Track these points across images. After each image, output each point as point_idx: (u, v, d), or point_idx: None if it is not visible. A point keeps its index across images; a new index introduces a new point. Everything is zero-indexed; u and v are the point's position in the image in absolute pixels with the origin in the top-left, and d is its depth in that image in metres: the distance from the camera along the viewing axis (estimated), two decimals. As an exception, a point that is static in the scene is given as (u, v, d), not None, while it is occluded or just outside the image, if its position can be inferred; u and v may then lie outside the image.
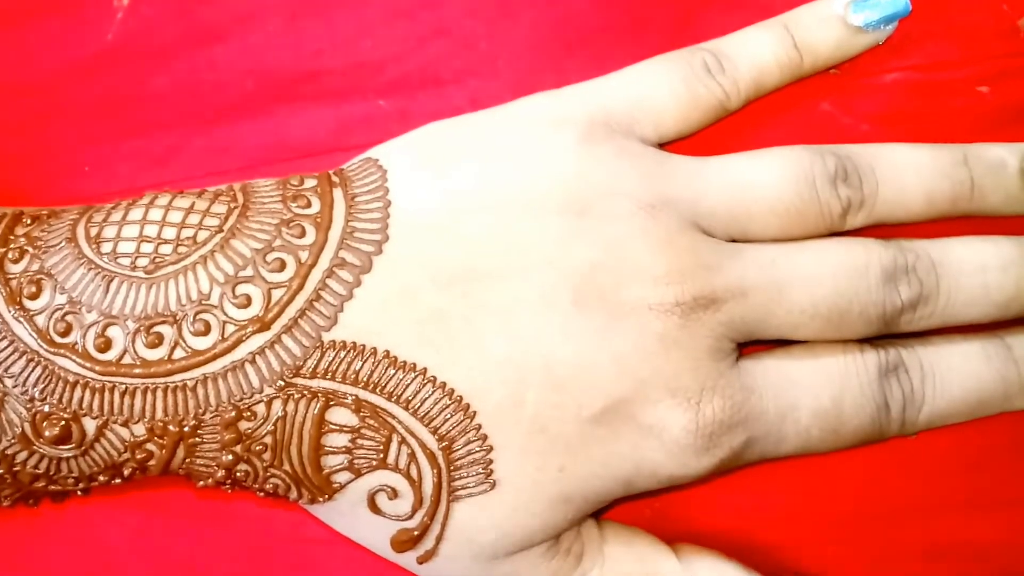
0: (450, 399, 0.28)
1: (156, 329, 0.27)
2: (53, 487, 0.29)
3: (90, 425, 0.28)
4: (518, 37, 0.33)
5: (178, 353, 0.27)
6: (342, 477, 0.28)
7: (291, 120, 0.34)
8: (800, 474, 0.32)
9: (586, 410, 0.28)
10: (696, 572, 0.30)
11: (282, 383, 0.27)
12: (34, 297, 0.28)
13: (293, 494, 0.29)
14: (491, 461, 0.28)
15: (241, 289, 0.28)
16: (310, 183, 0.30)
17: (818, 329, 0.29)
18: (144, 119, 0.34)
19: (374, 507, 0.29)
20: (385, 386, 0.28)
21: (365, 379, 0.28)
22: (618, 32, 0.33)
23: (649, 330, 0.28)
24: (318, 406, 0.28)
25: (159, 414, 0.27)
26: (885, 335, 0.31)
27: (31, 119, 0.34)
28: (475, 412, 0.28)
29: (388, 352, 0.28)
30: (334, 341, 0.28)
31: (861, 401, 0.30)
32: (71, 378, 0.27)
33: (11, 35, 0.34)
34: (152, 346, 0.27)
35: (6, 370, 0.27)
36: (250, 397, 0.27)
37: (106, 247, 0.28)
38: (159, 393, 0.27)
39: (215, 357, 0.27)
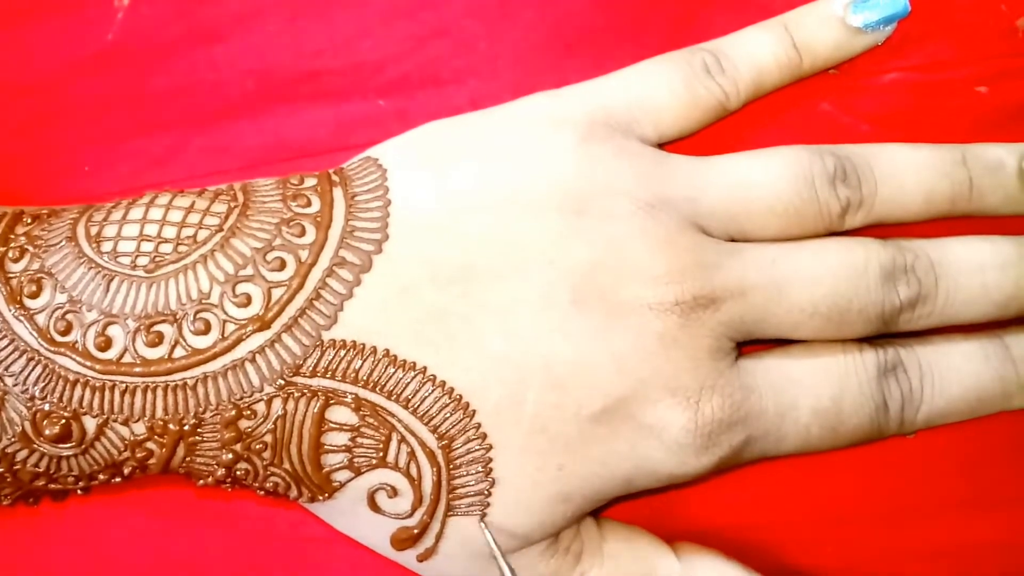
0: (450, 398, 0.28)
1: (156, 328, 0.27)
2: (53, 486, 0.29)
3: (90, 424, 0.28)
4: (518, 37, 0.33)
5: (178, 352, 0.27)
6: (342, 476, 0.29)
7: (291, 120, 0.34)
8: (799, 473, 0.32)
9: (586, 409, 0.28)
10: (695, 571, 0.30)
11: (282, 382, 0.28)
12: (34, 296, 0.28)
13: (293, 492, 0.29)
14: (490, 460, 0.28)
15: (241, 288, 0.28)
16: (310, 182, 0.30)
17: (817, 328, 0.30)
18: (144, 119, 0.34)
19: (374, 505, 0.29)
20: (385, 385, 0.28)
21: (365, 378, 0.28)
22: (618, 32, 0.33)
23: (649, 330, 0.28)
24: (318, 405, 0.28)
25: (159, 413, 0.27)
26: (884, 334, 0.31)
27: (31, 119, 0.34)
28: (474, 411, 0.28)
29: (388, 351, 0.28)
30: (334, 340, 0.28)
31: (860, 400, 0.30)
32: (71, 377, 0.27)
33: (11, 35, 0.34)
34: (152, 345, 0.27)
35: (6, 369, 0.27)
36: (250, 396, 0.28)
37: (106, 246, 0.28)
38: (159, 392, 0.27)
39: (215, 356, 0.27)
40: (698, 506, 0.32)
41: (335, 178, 0.30)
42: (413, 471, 0.28)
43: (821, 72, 0.33)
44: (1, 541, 0.32)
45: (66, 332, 0.27)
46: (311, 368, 0.28)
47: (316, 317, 0.28)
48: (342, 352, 0.28)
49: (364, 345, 0.28)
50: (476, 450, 0.28)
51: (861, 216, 0.31)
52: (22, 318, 0.27)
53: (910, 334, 0.31)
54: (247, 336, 0.27)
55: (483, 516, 0.29)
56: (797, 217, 0.30)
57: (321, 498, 0.29)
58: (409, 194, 0.29)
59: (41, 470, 0.28)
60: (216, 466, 0.28)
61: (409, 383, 0.28)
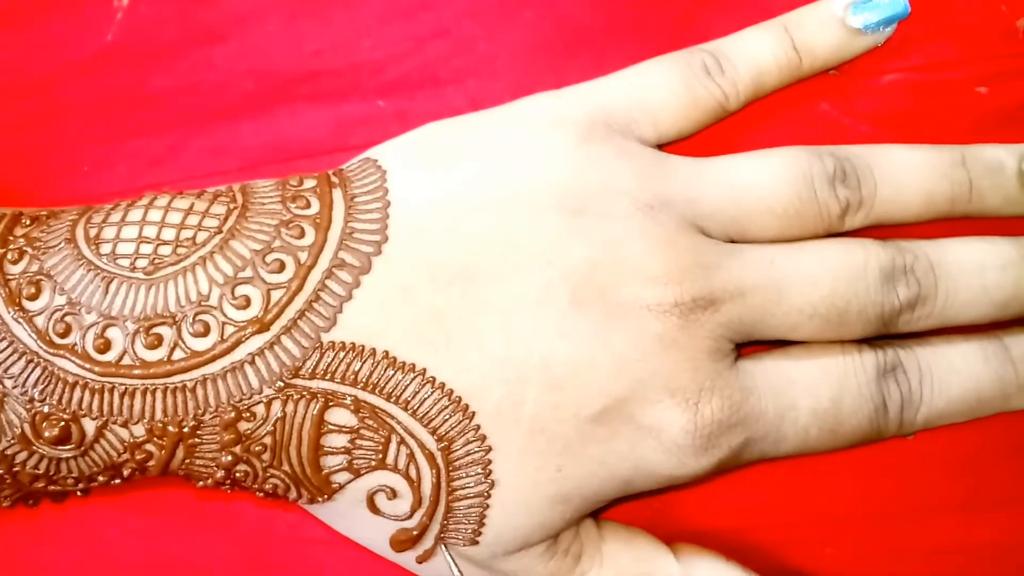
0: (449, 399, 0.28)
1: (155, 330, 0.27)
2: (53, 487, 0.29)
3: (89, 426, 0.28)
4: (517, 38, 0.33)
5: (177, 354, 0.27)
6: (341, 477, 0.29)
7: (290, 120, 0.34)
8: (799, 474, 0.32)
9: (585, 410, 0.28)
10: (695, 572, 0.30)
11: (281, 384, 0.27)
12: (33, 298, 0.27)
13: (292, 494, 0.29)
14: (490, 461, 0.28)
15: (240, 290, 0.28)
16: (309, 184, 0.30)
17: (817, 329, 0.30)
18: (143, 119, 0.34)
19: (373, 507, 0.29)
20: (384, 387, 0.28)
21: (364, 380, 0.28)
22: (618, 33, 0.33)
23: (648, 330, 0.28)
24: (317, 407, 0.28)
25: (158, 415, 0.27)
26: (883, 335, 0.31)
27: (31, 119, 0.34)
28: (474, 412, 0.28)
29: (387, 353, 0.28)
30: (333, 342, 0.28)
31: (859, 401, 0.30)
32: (70, 379, 0.27)
33: (11, 35, 0.34)
34: (151, 347, 0.27)
35: (5, 371, 0.27)
36: (249, 398, 0.27)
37: (105, 248, 0.28)
38: (158, 394, 0.27)
39: (214, 358, 0.27)
40: (697, 507, 0.32)
41: (334, 179, 0.30)
42: (412, 473, 0.28)
43: (821, 73, 0.33)
44: (1, 541, 0.32)
45: (65, 334, 0.27)
46: (310, 370, 0.28)
47: (315, 319, 0.28)
48: (341, 354, 0.28)
49: (363, 347, 0.28)
50: (475, 452, 0.28)
51: (861, 217, 0.31)
52: (21, 320, 0.27)
53: (910, 335, 0.31)
54: (246, 338, 0.27)
55: (482, 520, 0.29)
56: (797, 218, 0.30)
57: (320, 500, 0.29)
58: (408, 195, 0.29)
59: (40, 472, 0.28)
60: (215, 468, 0.28)
61: (408, 385, 0.28)
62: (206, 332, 0.27)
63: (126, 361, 0.27)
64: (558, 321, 0.28)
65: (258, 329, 0.27)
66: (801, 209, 0.30)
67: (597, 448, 0.28)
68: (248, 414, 0.28)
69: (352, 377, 0.28)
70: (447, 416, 0.28)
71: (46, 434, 0.27)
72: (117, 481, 0.29)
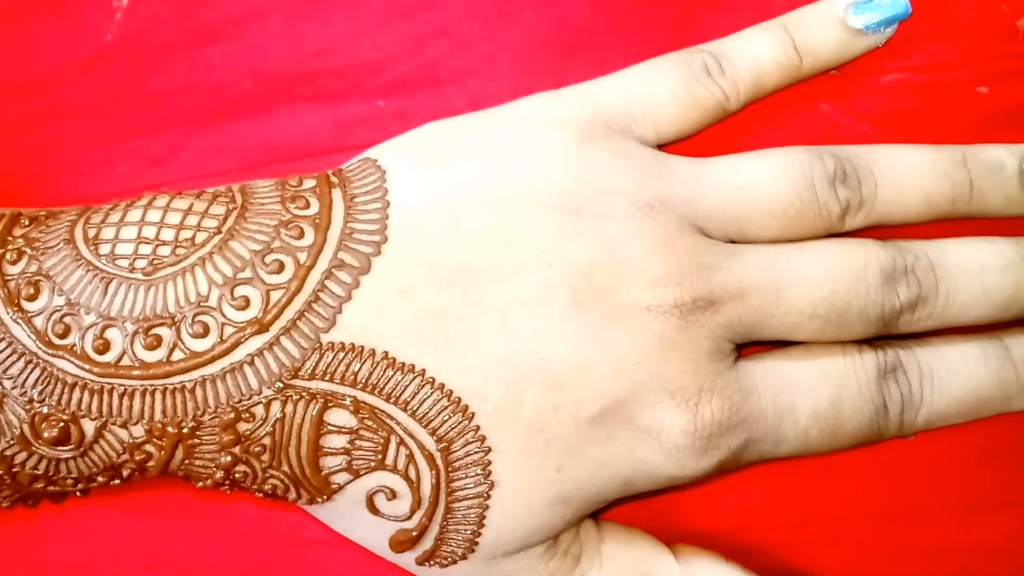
0: (448, 400, 0.28)
1: (155, 331, 0.27)
2: (52, 488, 0.29)
3: (89, 427, 0.28)
4: (517, 38, 0.33)
5: (177, 355, 0.27)
6: (341, 478, 0.28)
7: (290, 120, 0.34)
8: (799, 475, 0.32)
9: (584, 411, 0.28)
10: (695, 573, 0.30)
11: (280, 385, 0.27)
12: (32, 299, 0.27)
13: (292, 495, 0.29)
14: (489, 463, 0.28)
15: (240, 291, 0.27)
16: (309, 184, 0.30)
17: (817, 330, 0.29)
18: (143, 119, 0.34)
19: (372, 508, 0.29)
20: (383, 387, 0.28)
21: (363, 381, 0.28)
22: (617, 33, 0.33)
23: (647, 331, 0.28)
24: (316, 408, 0.28)
25: (158, 416, 0.27)
26: (884, 336, 0.30)
27: (30, 119, 0.34)
28: (473, 413, 0.28)
29: (387, 353, 0.28)
30: (332, 343, 0.28)
31: (859, 402, 0.30)
32: (69, 380, 0.27)
33: (10, 35, 0.34)
34: (151, 348, 0.27)
35: (4, 371, 0.27)
36: (249, 399, 0.27)
37: (104, 248, 0.28)
38: (157, 395, 0.27)
39: (214, 359, 0.27)
40: (697, 508, 0.32)
41: (334, 179, 0.30)
42: (412, 474, 0.28)
43: (821, 73, 0.33)
44: (1, 541, 0.32)
45: (64, 335, 0.27)
46: (309, 371, 0.27)
47: (315, 320, 0.28)
48: (341, 355, 0.28)
49: (363, 348, 0.28)
50: (475, 452, 0.28)
51: (861, 217, 0.31)
52: (20, 321, 0.27)
53: (910, 336, 0.31)
54: (245, 339, 0.27)
55: (482, 521, 0.28)
56: (797, 218, 0.30)
57: (320, 500, 0.29)
58: (408, 195, 0.29)
59: (40, 472, 0.28)
60: (215, 468, 0.28)
61: (408, 386, 0.28)
62: (205, 333, 0.27)
63: (125, 362, 0.27)
64: (557, 322, 0.28)
65: (257, 330, 0.27)
66: (801, 210, 0.30)
67: (597, 449, 0.28)
68: (247, 415, 0.28)
69: (351, 378, 0.28)
70: (446, 417, 0.28)
71: (45, 435, 0.27)
72: (116, 481, 0.29)
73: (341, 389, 0.28)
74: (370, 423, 0.28)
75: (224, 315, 0.27)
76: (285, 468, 0.28)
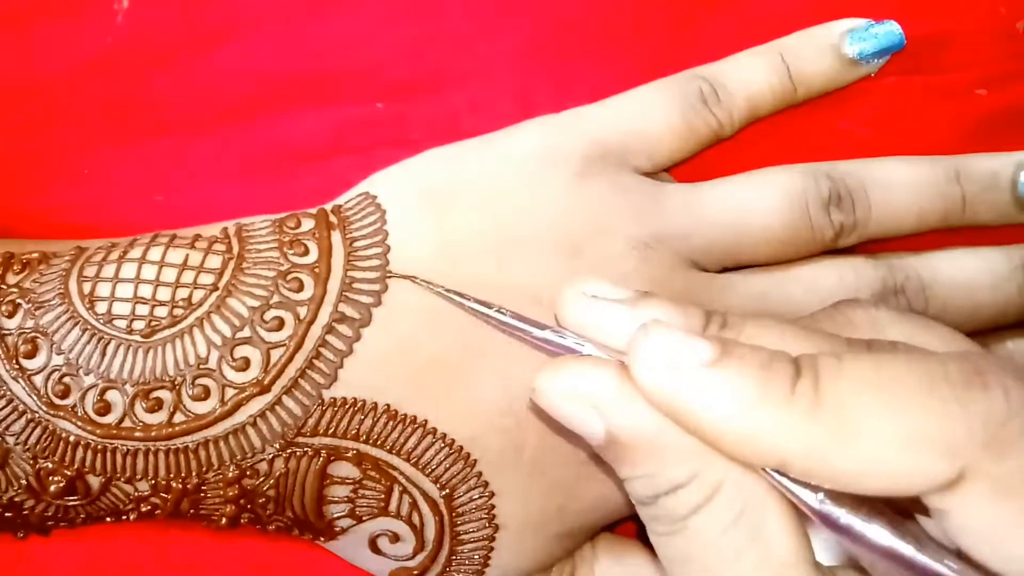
0: (451, 449, 0.28)
1: (155, 394, 0.27)
2: (63, 524, 0.29)
3: (94, 481, 0.28)
4: (516, 41, 0.33)
5: (178, 417, 0.27)
6: (344, 523, 0.29)
7: (290, 123, 0.33)
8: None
9: (583, 451, 0.28)
10: None
11: (283, 442, 0.27)
12: (30, 356, 0.27)
13: (296, 532, 0.29)
14: (493, 507, 0.28)
15: (239, 352, 0.27)
16: (307, 225, 0.29)
17: None
18: (144, 123, 0.33)
19: (375, 549, 0.29)
20: (386, 440, 0.28)
21: (366, 434, 0.28)
22: (616, 36, 0.33)
23: None
24: (320, 462, 0.28)
25: (161, 473, 0.27)
26: None
27: (30, 122, 0.33)
28: (476, 460, 0.28)
29: (388, 406, 0.28)
30: (335, 399, 0.27)
31: None
32: (72, 439, 0.27)
33: (11, 38, 0.33)
34: (152, 411, 0.27)
35: (6, 429, 0.27)
36: (252, 457, 0.27)
37: (101, 307, 0.27)
38: (160, 455, 0.27)
39: (215, 421, 0.27)
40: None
41: (333, 219, 0.29)
42: (415, 520, 0.29)
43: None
44: (1, 541, 0.33)
45: (64, 395, 0.27)
46: (312, 428, 0.27)
47: (316, 376, 0.27)
48: (343, 410, 0.27)
49: (364, 402, 0.27)
50: (478, 498, 0.28)
51: (855, 237, 0.31)
52: (20, 379, 0.27)
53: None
54: (247, 401, 0.27)
55: (486, 562, 0.29)
56: (791, 244, 0.30)
57: (322, 540, 0.29)
58: (407, 239, 0.29)
59: (50, 515, 0.28)
60: (219, 516, 0.28)
61: (410, 437, 0.28)
62: (206, 396, 0.27)
63: (127, 424, 0.27)
64: None
65: (259, 391, 0.27)
66: (796, 236, 0.30)
67: (597, 486, 0.29)
68: (251, 472, 0.28)
69: (354, 432, 0.28)
70: (449, 465, 0.28)
71: (51, 488, 0.27)
72: (125, 518, 0.29)
73: (344, 443, 0.28)
74: (373, 473, 0.28)
75: (224, 377, 0.27)
76: (289, 514, 0.29)
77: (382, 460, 0.28)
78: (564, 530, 0.29)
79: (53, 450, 0.27)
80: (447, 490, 0.28)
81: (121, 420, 0.27)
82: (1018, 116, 0.33)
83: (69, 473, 0.27)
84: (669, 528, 0.22)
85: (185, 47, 0.33)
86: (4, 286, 0.28)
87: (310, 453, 0.28)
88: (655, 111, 0.31)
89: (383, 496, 0.28)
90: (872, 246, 0.32)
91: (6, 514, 0.28)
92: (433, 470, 0.28)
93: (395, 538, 0.29)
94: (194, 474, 0.27)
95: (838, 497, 0.21)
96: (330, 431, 0.28)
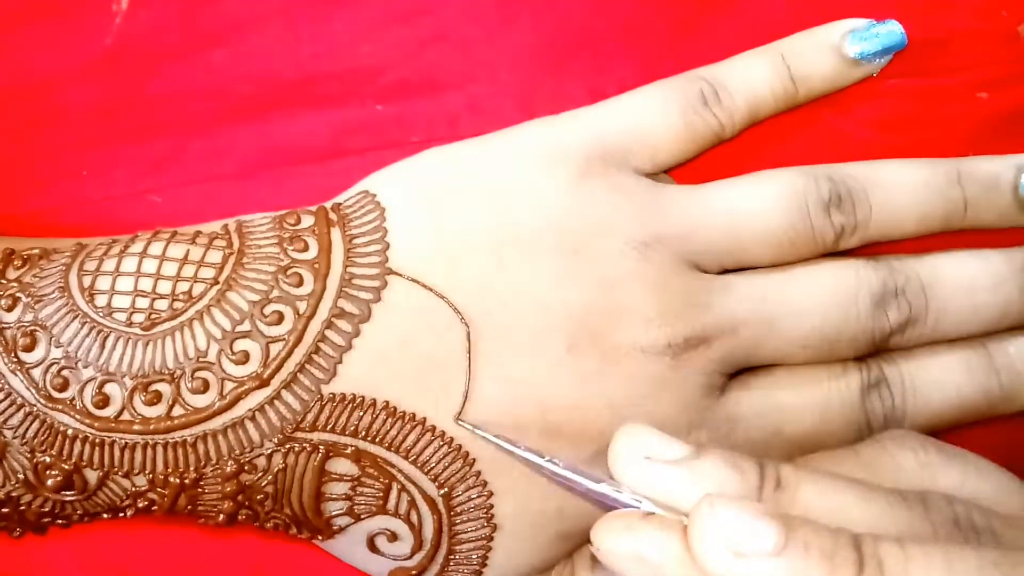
0: (449, 447, 0.28)
1: (154, 387, 0.27)
2: (60, 521, 0.29)
3: (91, 475, 0.28)
4: (516, 42, 0.33)
5: (177, 411, 0.27)
6: (342, 521, 0.29)
7: (289, 125, 0.33)
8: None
9: (583, 453, 0.28)
10: None
11: (282, 437, 0.27)
12: (29, 349, 0.27)
13: (293, 531, 0.29)
14: (491, 507, 0.28)
15: (239, 345, 0.27)
16: (307, 222, 0.29)
17: (808, 357, 0.30)
18: (142, 123, 0.33)
19: (373, 548, 0.29)
20: (385, 437, 0.28)
21: (365, 430, 0.28)
22: (617, 37, 0.33)
23: (642, 374, 0.28)
24: (318, 458, 0.28)
25: (159, 467, 0.27)
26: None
27: (29, 123, 0.33)
28: (474, 459, 0.28)
29: (388, 403, 0.28)
30: (334, 394, 0.27)
31: (842, 421, 0.30)
32: (70, 432, 0.27)
33: (9, 38, 0.33)
34: (151, 404, 0.27)
35: (5, 422, 0.27)
36: (250, 451, 0.27)
37: (100, 300, 0.27)
38: (159, 449, 0.27)
39: (214, 414, 0.27)
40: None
41: (332, 216, 0.29)
42: (414, 518, 0.29)
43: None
44: (1, 541, 0.33)
45: (63, 388, 0.27)
46: (311, 423, 0.27)
47: (315, 371, 0.27)
48: (341, 406, 0.27)
49: (364, 398, 0.27)
50: (476, 497, 0.28)
51: (855, 240, 0.31)
52: (18, 372, 0.27)
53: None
54: (246, 394, 0.27)
55: (484, 561, 0.29)
56: (791, 246, 0.30)
57: (320, 538, 0.29)
58: (407, 237, 0.29)
59: (47, 510, 0.28)
60: (217, 512, 0.28)
61: (409, 434, 0.28)
62: (205, 389, 0.27)
63: (125, 417, 0.27)
64: (554, 367, 0.28)
65: (258, 385, 0.27)
66: (796, 238, 0.30)
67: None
68: (249, 467, 0.28)
69: (353, 428, 0.28)
70: (448, 463, 0.28)
71: (49, 483, 0.27)
72: (122, 515, 0.29)
73: (343, 440, 0.28)
74: (371, 471, 0.28)
75: (224, 370, 0.27)
76: (287, 511, 0.29)
77: (381, 457, 0.28)
78: (563, 531, 0.29)
79: (51, 444, 0.27)
80: (446, 489, 0.28)
81: (120, 413, 0.27)
82: (1019, 119, 0.33)
83: (67, 467, 0.27)
84: None
85: (184, 48, 0.33)
86: (4, 280, 0.28)
87: (308, 449, 0.28)
88: (656, 112, 0.31)
89: (381, 494, 0.28)
90: (872, 248, 0.31)
91: (2, 510, 0.28)
92: (432, 468, 0.28)
93: (393, 537, 0.29)
94: (192, 468, 0.27)
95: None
96: (329, 427, 0.27)
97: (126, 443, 0.27)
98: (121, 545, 0.33)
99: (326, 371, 0.27)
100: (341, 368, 0.27)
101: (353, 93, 0.33)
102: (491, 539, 0.29)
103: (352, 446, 0.28)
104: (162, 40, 0.33)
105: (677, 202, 0.30)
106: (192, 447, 0.27)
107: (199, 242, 0.29)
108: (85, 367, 0.27)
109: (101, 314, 0.27)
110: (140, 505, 0.28)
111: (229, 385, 0.27)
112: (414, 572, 0.29)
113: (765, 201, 0.30)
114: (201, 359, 0.27)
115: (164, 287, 0.28)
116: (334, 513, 0.29)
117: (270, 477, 0.28)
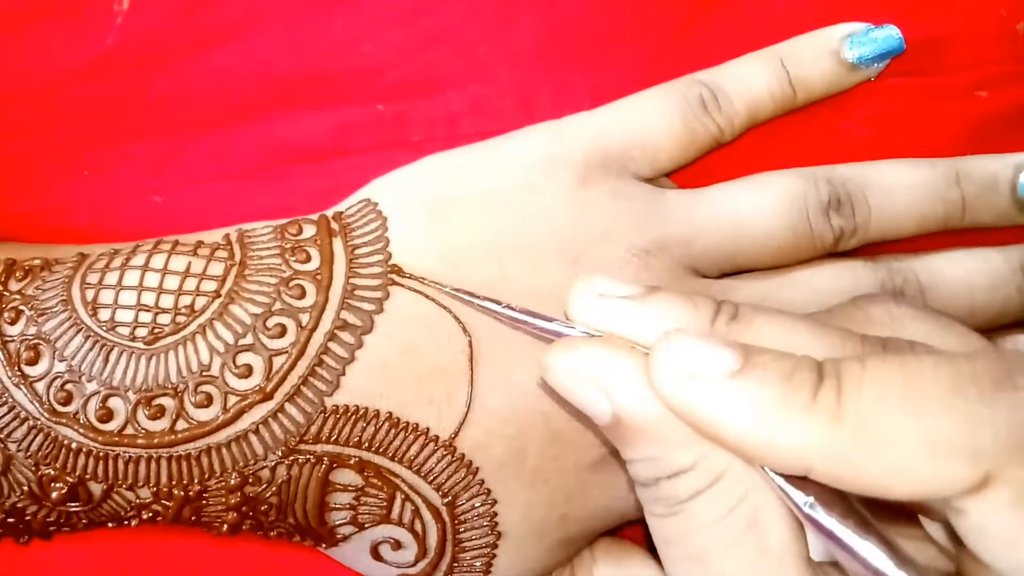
0: (453, 457, 0.28)
1: (157, 401, 0.27)
2: (65, 529, 0.29)
3: (96, 488, 0.28)
4: (517, 42, 0.33)
5: (180, 425, 0.27)
6: (346, 530, 0.29)
7: (290, 125, 0.33)
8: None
9: (584, 459, 0.28)
10: None
11: (286, 450, 0.27)
12: (32, 363, 0.27)
13: (297, 539, 0.29)
14: (495, 515, 0.28)
15: (242, 359, 0.27)
16: (309, 232, 0.29)
17: None
18: (144, 123, 0.33)
19: (377, 556, 0.29)
20: (388, 447, 0.28)
21: (368, 441, 0.28)
22: (617, 37, 0.33)
23: None
24: (322, 469, 0.28)
25: (163, 480, 0.27)
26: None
27: (31, 123, 0.33)
28: (478, 468, 0.28)
29: (391, 414, 0.28)
30: (337, 406, 0.27)
31: None
32: (74, 446, 0.27)
33: (10, 39, 0.33)
34: (154, 418, 0.27)
35: (8, 435, 0.27)
36: (254, 464, 0.27)
37: (103, 314, 0.27)
38: (163, 462, 0.27)
39: (218, 428, 0.27)
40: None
41: (334, 226, 0.29)
42: (417, 527, 0.29)
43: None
44: (2, 544, 0.33)
45: (66, 402, 0.27)
46: (314, 435, 0.27)
47: (319, 384, 0.27)
48: (345, 418, 0.27)
49: (367, 409, 0.27)
50: (480, 506, 0.28)
51: (855, 241, 0.31)
52: (22, 386, 0.27)
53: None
54: (249, 408, 0.27)
55: (488, 568, 0.29)
56: (791, 250, 0.30)
57: (324, 546, 0.30)
58: (409, 247, 0.29)
59: (52, 520, 0.28)
60: (221, 523, 0.28)
61: (412, 444, 0.28)
62: (208, 403, 0.27)
63: (129, 431, 0.27)
64: None
65: (261, 398, 0.27)
66: (796, 241, 0.30)
67: (599, 493, 0.29)
68: (253, 479, 0.28)
69: (356, 439, 0.28)
70: (451, 473, 0.28)
71: (53, 495, 0.27)
72: (127, 523, 0.29)
73: (346, 451, 0.28)
74: (375, 481, 0.28)
75: (227, 383, 0.27)
76: (291, 521, 0.29)
77: (384, 468, 0.28)
78: (566, 537, 0.29)
79: (55, 457, 0.27)
80: (449, 497, 0.28)
81: (123, 427, 0.27)
82: (1018, 118, 0.33)
83: (71, 480, 0.27)
84: (667, 510, 0.22)
85: (185, 48, 0.33)
86: (7, 293, 0.28)
87: (312, 460, 0.28)
88: (656, 117, 0.31)
89: (385, 503, 0.28)
90: (872, 247, 0.32)
91: (8, 520, 0.28)
92: (435, 478, 0.28)
93: (397, 545, 0.29)
94: (196, 481, 0.27)
95: (830, 502, 0.21)
96: (332, 438, 0.27)
97: (130, 456, 0.27)
98: (125, 550, 0.33)
99: (329, 383, 0.27)
100: (344, 380, 0.27)
101: (354, 93, 0.33)
102: (495, 547, 0.29)
103: (356, 457, 0.28)
104: (163, 40, 0.33)
105: (677, 207, 0.30)
106: (196, 460, 0.27)
107: (200, 253, 0.28)
108: (89, 381, 0.27)
109: (104, 328, 0.27)
110: (144, 516, 0.28)
111: (233, 399, 0.27)
112: None
113: (765, 205, 0.30)
114: (204, 373, 0.27)
115: (167, 301, 0.27)
116: (338, 523, 0.29)
117: (274, 489, 0.28)
